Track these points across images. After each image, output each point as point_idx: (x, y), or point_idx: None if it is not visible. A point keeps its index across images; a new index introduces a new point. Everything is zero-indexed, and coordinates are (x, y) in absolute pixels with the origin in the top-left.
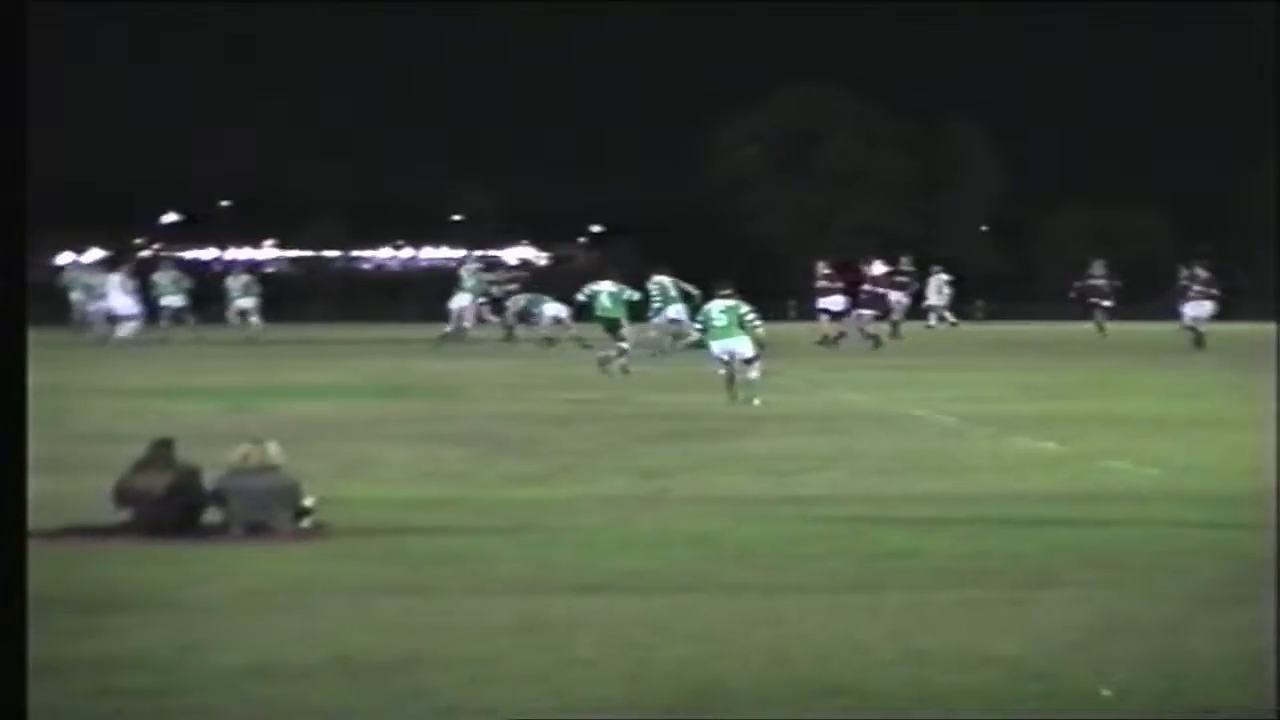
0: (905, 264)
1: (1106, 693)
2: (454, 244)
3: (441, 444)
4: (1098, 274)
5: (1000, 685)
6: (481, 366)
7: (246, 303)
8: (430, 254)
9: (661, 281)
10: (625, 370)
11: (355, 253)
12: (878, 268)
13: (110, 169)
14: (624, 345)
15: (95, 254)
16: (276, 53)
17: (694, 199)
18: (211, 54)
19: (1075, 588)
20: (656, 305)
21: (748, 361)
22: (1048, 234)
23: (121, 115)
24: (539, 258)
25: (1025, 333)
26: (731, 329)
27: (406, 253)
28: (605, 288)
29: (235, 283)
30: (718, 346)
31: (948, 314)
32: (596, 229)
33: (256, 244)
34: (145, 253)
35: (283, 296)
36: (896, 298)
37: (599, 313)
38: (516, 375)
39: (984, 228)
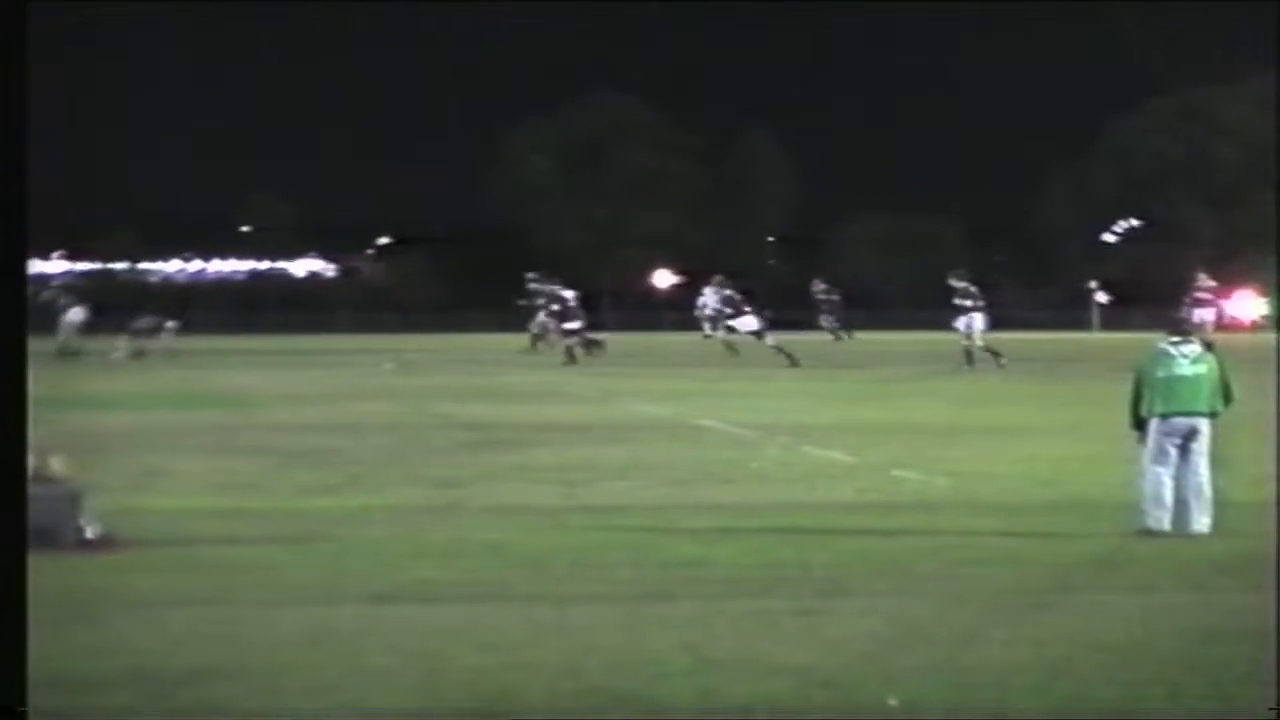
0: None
1: (893, 702)
2: (243, 255)
3: (232, 455)
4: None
5: (789, 694)
6: (270, 378)
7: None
8: (219, 266)
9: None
10: None
11: (144, 265)
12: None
13: None
14: None
15: None
16: (65, 56)
17: (485, 208)
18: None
19: (866, 598)
20: None
21: None
22: (837, 244)
23: None
24: (327, 269)
25: (811, 343)
26: None
27: (195, 264)
28: None
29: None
30: None
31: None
32: (385, 240)
33: (45, 256)
34: None
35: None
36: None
37: None
38: (305, 387)
39: (771, 238)
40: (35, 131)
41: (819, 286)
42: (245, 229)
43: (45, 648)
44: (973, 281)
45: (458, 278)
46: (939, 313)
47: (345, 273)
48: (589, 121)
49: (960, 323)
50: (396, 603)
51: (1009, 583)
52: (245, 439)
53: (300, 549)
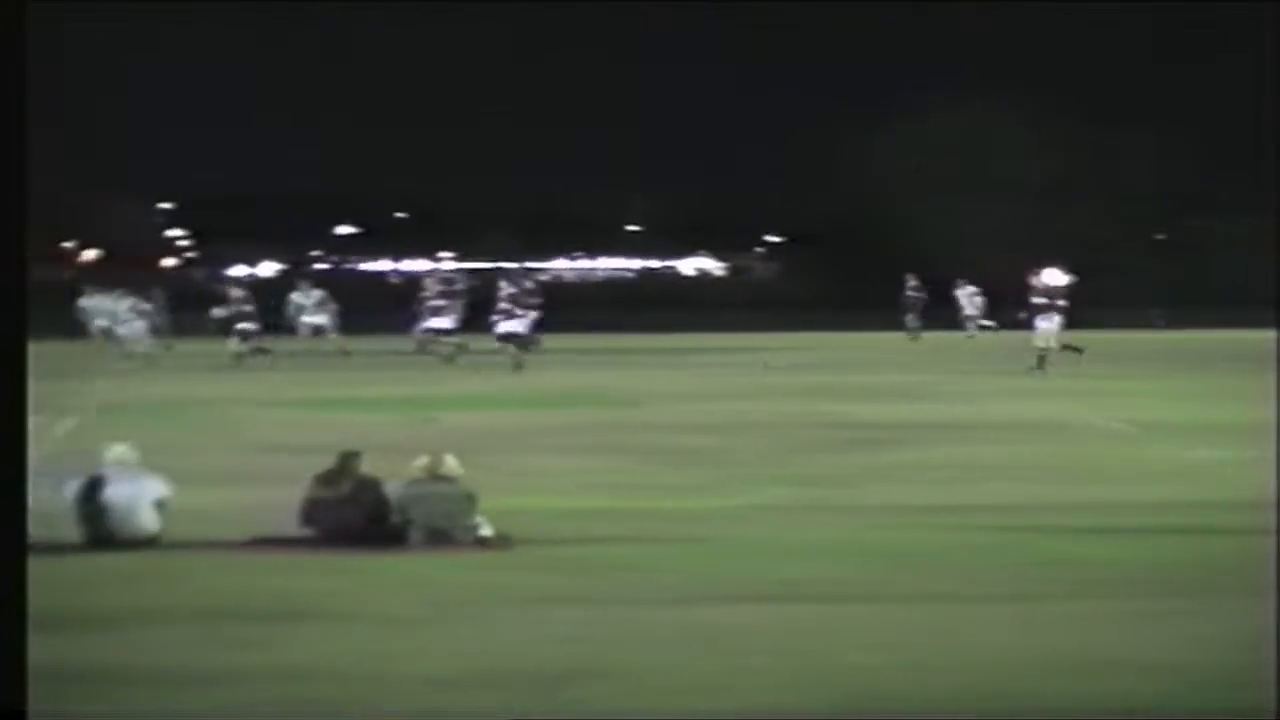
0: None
1: None
2: (630, 254)
3: (613, 454)
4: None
5: (1170, 695)
6: (653, 377)
7: (320, 319)
8: (607, 264)
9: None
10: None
11: (532, 264)
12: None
13: (286, 182)
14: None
15: (270, 266)
16: (441, 66)
17: (867, 207)
18: (385, 67)
19: (1244, 596)
20: None
21: None
22: (1225, 241)
23: (297, 128)
24: (716, 268)
25: (1203, 340)
26: None
27: (583, 263)
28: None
29: (307, 299)
30: None
31: (985, 322)
32: (774, 238)
33: (432, 255)
34: (322, 265)
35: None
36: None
37: None
38: (686, 385)
39: (1159, 236)
40: (404, 138)
41: (911, 283)
42: (633, 228)
43: (434, 645)
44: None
45: (842, 276)
46: None
47: (735, 271)
48: (960, 121)
49: (1043, 324)
50: (772, 602)
51: None
52: (626, 438)
53: (678, 548)
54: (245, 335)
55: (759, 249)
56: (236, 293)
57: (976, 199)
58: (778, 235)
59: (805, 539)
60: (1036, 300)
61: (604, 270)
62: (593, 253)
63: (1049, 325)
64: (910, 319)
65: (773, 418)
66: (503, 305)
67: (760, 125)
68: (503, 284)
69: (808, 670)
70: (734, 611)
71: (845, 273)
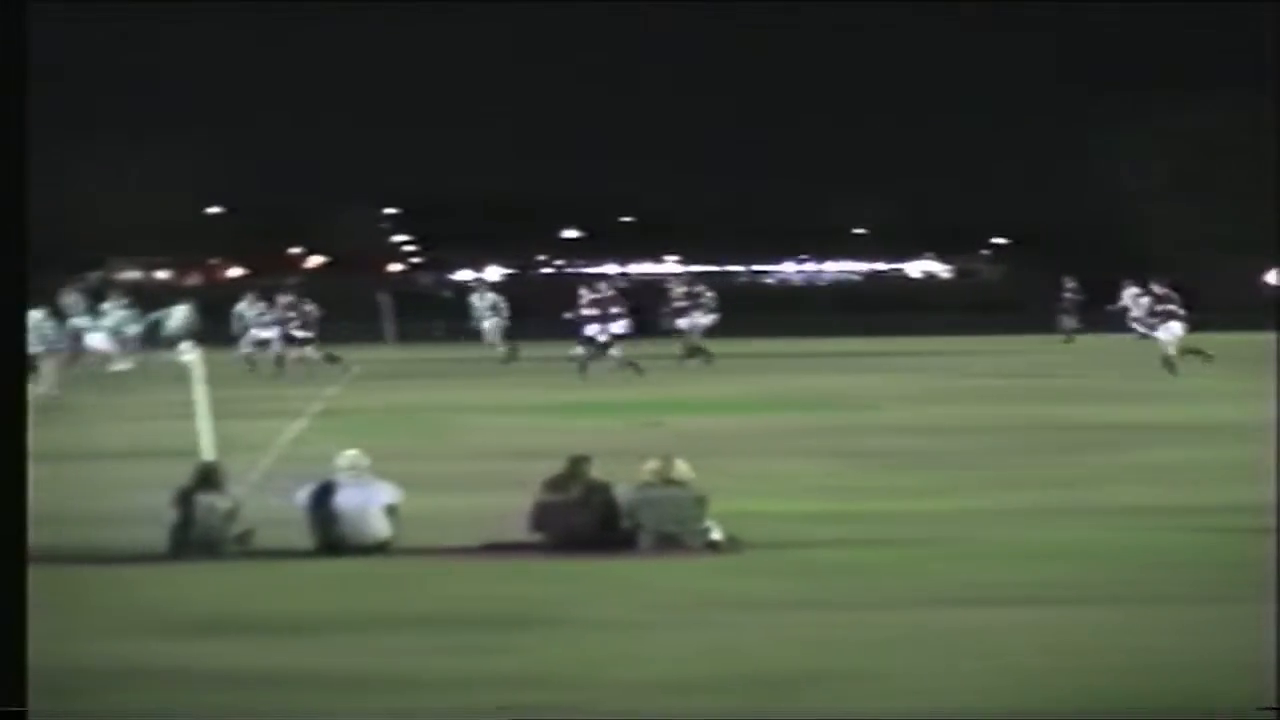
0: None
1: None
2: (856, 257)
3: (845, 458)
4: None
5: None
6: (879, 380)
7: (493, 320)
8: (833, 267)
9: None
10: None
11: (758, 266)
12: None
13: (512, 187)
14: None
15: (496, 271)
16: (666, 72)
17: (1096, 208)
18: (610, 74)
19: None
20: None
21: None
22: None
23: (522, 133)
24: (942, 270)
25: None
26: None
27: (810, 266)
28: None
29: (482, 302)
30: None
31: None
32: (1000, 240)
33: (657, 259)
34: (547, 269)
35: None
36: None
37: None
38: (913, 389)
39: None
40: (628, 141)
41: (1069, 285)
42: (859, 231)
43: (664, 650)
44: (1173, 288)
45: (1067, 278)
46: None
47: (962, 274)
48: (1186, 122)
49: (1162, 330)
50: (1009, 605)
51: None
52: (858, 441)
53: (913, 551)
54: (292, 341)
55: (985, 251)
56: (283, 298)
57: (1200, 201)
58: (1004, 237)
59: (1043, 541)
60: (1159, 306)
61: (830, 273)
62: (819, 256)
63: (1168, 331)
64: (1067, 321)
65: (1003, 420)
66: (588, 310)
67: (989, 125)
68: (583, 287)
69: (1046, 672)
70: (972, 615)
71: (1071, 275)
